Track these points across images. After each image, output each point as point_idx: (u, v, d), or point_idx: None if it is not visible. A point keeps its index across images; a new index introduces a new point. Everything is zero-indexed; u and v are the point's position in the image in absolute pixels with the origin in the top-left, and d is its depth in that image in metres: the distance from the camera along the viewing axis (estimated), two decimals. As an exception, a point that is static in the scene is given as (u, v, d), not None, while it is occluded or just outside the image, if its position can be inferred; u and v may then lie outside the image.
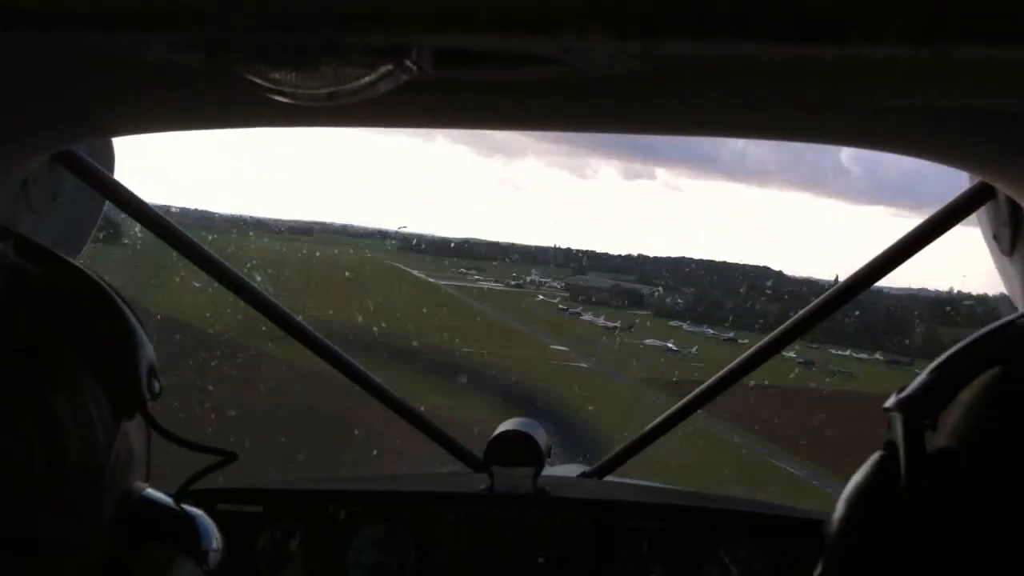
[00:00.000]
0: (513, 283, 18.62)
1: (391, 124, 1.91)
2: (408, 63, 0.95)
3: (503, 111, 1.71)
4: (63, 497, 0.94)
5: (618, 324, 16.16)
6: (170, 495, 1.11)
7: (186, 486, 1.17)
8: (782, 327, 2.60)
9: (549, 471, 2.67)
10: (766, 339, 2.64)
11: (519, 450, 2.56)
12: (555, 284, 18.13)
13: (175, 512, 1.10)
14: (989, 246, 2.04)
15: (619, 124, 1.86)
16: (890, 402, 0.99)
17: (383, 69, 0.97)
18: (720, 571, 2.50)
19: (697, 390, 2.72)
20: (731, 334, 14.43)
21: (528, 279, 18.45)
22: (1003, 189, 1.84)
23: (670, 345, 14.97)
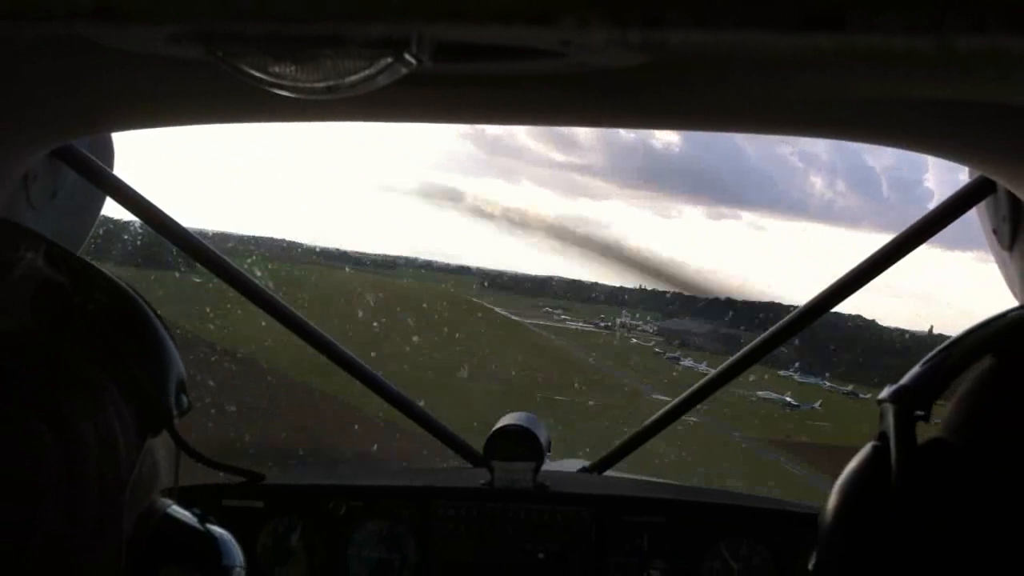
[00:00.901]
0: (603, 324, 17.84)
1: (392, 118, 1.91)
2: (407, 56, 0.95)
3: (503, 105, 1.71)
4: (81, 512, 0.92)
5: (723, 372, 14.99)
6: (195, 513, 1.08)
7: (211, 504, 1.14)
8: (781, 322, 2.60)
9: (549, 466, 2.67)
10: (764, 335, 2.65)
11: (519, 445, 2.56)
12: (647, 327, 17.22)
13: (198, 531, 1.07)
14: (989, 241, 2.04)
15: (619, 118, 1.86)
16: (884, 394, 1.00)
17: (383, 62, 0.97)
18: (720, 565, 2.50)
19: (693, 387, 2.73)
20: (850, 387, 13.32)
21: (618, 321, 17.54)
22: (1003, 184, 1.84)
23: (787, 399, 13.75)
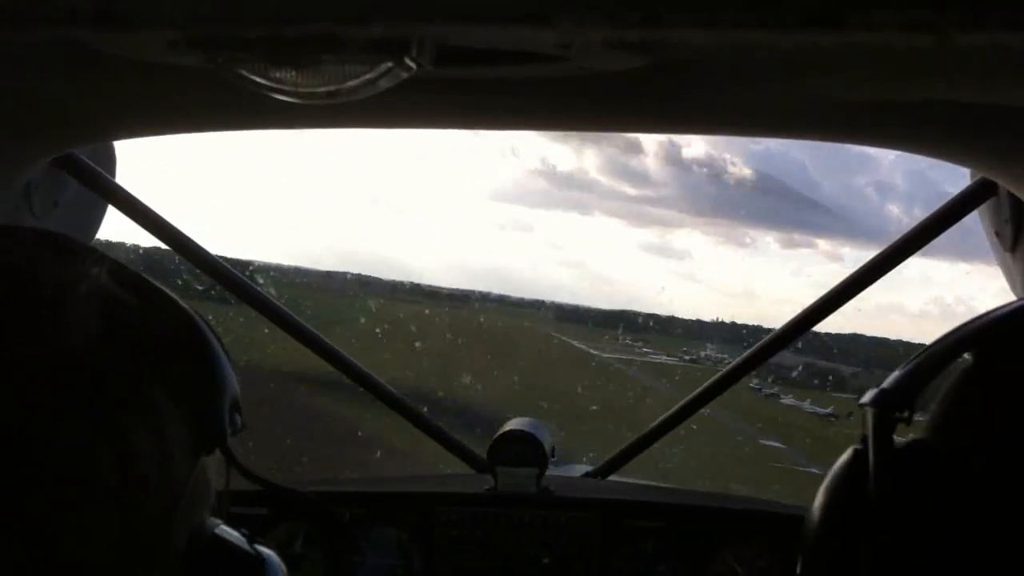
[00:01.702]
0: (687, 357, 16.62)
1: (394, 124, 1.91)
2: (408, 60, 0.95)
3: (506, 110, 1.71)
4: (135, 525, 0.91)
5: (832, 410, 13.68)
6: (244, 534, 1.08)
7: (262, 529, 1.13)
8: (784, 325, 2.60)
9: (553, 471, 2.67)
10: (767, 338, 2.64)
11: (523, 450, 2.56)
12: (733, 360, 16.01)
13: (246, 553, 1.07)
14: (991, 243, 2.04)
15: (621, 122, 1.85)
16: (865, 398, 1.01)
17: (383, 67, 0.97)
18: (725, 570, 2.49)
19: (697, 391, 2.73)
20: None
21: (703, 353, 16.34)
22: (1005, 185, 1.84)
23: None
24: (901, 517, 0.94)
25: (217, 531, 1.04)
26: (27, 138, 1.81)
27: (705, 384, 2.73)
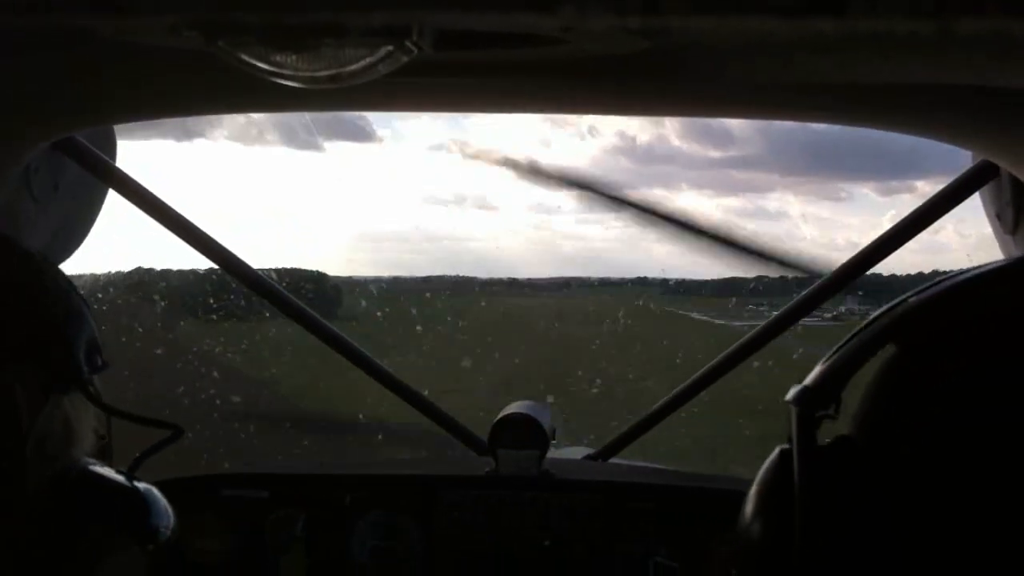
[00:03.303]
0: (828, 315, 15.68)
1: (394, 107, 1.91)
2: (408, 44, 0.95)
3: (507, 93, 1.71)
4: None
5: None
6: (121, 471, 1.07)
7: (137, 463, 1.12)
8: (783, 309, 2.60)
9: (554, 454, 2.67)
10: (769, 320, 2.64)
11: (523, 433, 2.56)
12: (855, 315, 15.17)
13: (122, 488, 1.06)
14: (992, 225, 2.04)
15: (623, 105, 1.85)
16: (789, 395, 0.98)
17: (384, 51, 0.97)
18: (727, 552, 2.50)
19: (700, 372, 2.72)
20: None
21: (843, 308, 15.51)
22: (1006, 168, 1.84)
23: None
24: (828, 520, 0.91)
25: (88, 468, 1.04)
26: (27, 121, 1.80)
27: (707, 366, 2.71)
